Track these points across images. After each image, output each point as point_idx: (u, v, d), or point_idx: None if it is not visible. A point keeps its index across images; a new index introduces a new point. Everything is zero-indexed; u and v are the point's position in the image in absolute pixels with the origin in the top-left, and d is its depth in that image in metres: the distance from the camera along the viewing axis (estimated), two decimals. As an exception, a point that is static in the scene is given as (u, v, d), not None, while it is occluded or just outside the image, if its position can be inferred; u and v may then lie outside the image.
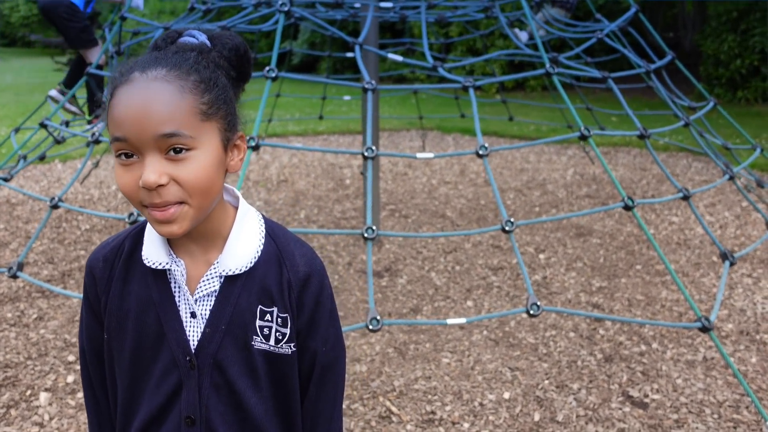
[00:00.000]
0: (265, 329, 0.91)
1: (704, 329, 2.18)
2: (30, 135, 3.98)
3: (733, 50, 9.95)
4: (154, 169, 0.78)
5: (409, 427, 2.36)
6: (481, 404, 2.49)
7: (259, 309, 0.91)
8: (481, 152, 2.38)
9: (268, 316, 0.91)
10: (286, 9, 2.55)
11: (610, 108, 6.97)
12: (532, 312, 1.92)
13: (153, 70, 0.80)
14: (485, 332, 3.08)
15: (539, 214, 4.96)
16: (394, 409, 2.46)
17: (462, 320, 1.88)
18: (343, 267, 3.90)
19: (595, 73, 3.12)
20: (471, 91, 2.57)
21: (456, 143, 7.89)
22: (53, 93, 4.43)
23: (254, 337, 0.90)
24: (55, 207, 2.61)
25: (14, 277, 2.43)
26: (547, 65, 2.66)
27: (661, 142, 6.56)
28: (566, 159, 6.86)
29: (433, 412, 2.44)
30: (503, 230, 2.12)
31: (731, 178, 2.94)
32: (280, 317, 0.91)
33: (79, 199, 5.32)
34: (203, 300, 0.90)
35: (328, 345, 0.96)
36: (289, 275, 0.92)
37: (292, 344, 0.93)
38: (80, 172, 2.90)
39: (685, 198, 2.65)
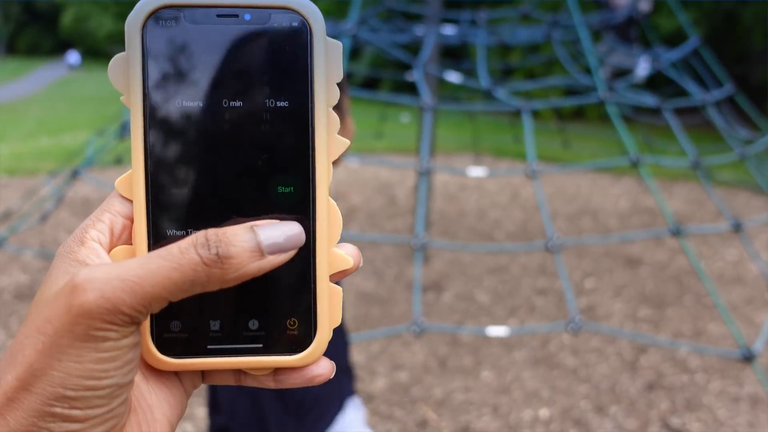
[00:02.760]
0: None
1: (746, 359, 2.19)
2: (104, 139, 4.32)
3: (805, 87, 9.62)
4: None
5: (445, 433, 2.44)
6: (517, 420, 2.55)
7: None
8: (530, 173, 2.47)
9: None
10: (353, 34, 2.74)
11: (668, 140, 6.87)
12: (571, 327, 1.99)
13: None
14: (525, 351, 3.13)
15: (589, 241, 4.95)
16: (432, 416, 2.54)
17: (503, 328, 1.97)
18: (391, 279, 4.03)
19: (650, 102, 3.17)
20: (524, 114, 2.68)
21: (510, 168, 7.94)
22: None
23: None
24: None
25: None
26: (600, 92, 2.73)
27: (717, 178, 6.42)
28: (620, 189, 6.80)
29: (469, 423, 2.51)
30: (547, 248, 2.20)
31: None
32: None
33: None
34: None
35: None
36: None
37: None
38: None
39: (736, 228, 2.65)
